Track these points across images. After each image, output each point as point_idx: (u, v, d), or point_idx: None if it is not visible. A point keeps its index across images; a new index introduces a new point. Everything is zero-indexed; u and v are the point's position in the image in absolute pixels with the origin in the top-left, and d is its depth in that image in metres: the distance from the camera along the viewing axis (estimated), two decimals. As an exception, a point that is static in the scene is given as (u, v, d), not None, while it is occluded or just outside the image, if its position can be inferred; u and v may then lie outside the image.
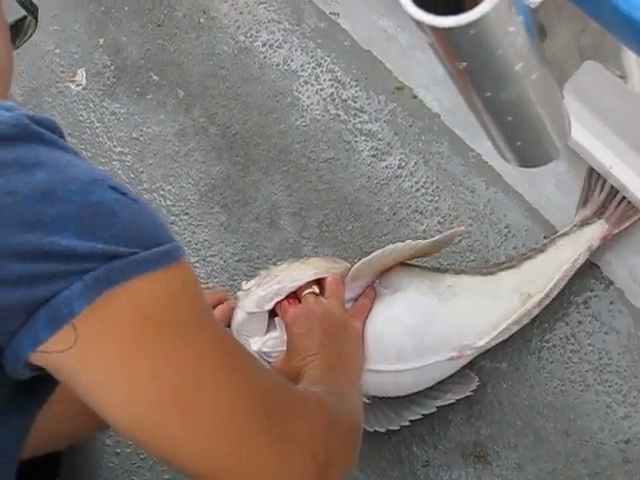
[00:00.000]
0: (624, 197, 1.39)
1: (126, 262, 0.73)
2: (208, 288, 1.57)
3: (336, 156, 1.62)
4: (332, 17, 1.73)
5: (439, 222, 1.53)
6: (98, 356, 0.74)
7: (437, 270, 1.41)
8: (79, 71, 1.83)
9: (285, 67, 1.72)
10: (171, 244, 0.77)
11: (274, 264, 1.43)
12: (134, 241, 0.74)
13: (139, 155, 1.71)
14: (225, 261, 1.59)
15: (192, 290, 0.80)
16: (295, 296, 1.33)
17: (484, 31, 0.55)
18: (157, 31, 1.82)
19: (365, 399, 1.30)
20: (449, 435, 1.40)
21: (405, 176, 1.57)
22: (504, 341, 1.39)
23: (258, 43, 1.75)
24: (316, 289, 1.33)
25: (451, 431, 1.40)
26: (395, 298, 1.35)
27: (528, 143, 0.74)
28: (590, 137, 1.37)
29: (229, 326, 1.34)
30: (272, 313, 1.34)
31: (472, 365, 1.39)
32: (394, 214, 1.55)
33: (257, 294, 1.33)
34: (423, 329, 1.32)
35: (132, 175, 1.69)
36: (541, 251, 1.40)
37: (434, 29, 0.55)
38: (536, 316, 1.40)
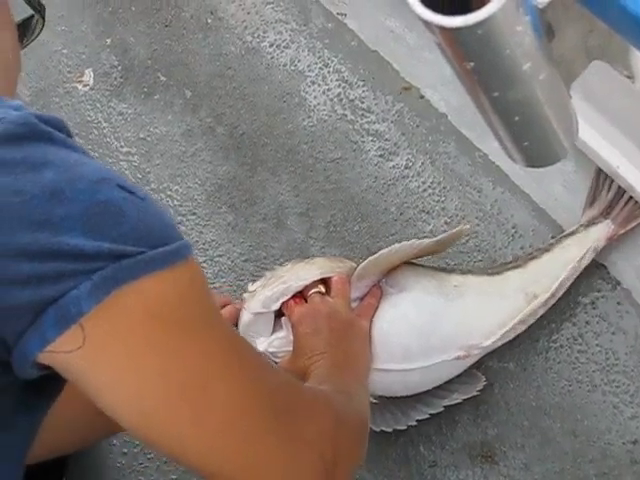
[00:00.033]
0: (631, 197, 1.39)
1: (134, 261, 0.73)
2: (215, 288, 1.57)
3: (343, 156, 1.62)
4: (339, 17, 1.73)
5: (446, 222, 1.53)
6: (106, 356, 0.74)
7: (443, 270, 1.41)
8: (86, 71, 1.83)
9: (292, 67, 1.72)
10: (179, 242, 0.77)
11: (279, 265, 1.43)
12: (142, 240, 0.74)
13: (146, 155, 1.72)
14: (232, 261, 1.60)
15: (200, 289, 0.80)
16: (301, 296, 1.33)
17: (492, 31, 0.55)
18: (164, 31, 1.82)
19: (372, 399, 1.30)
20: (456, 435, 1.40)
21: (412, 176, 1.57)
22: (511, 341, 1.39)
23: (265, 43, 1.76)
24: (322, 288, 1.33)
25: (458, 431, 1.40)
26: (401, 297, 1.35)
27: (535, 143, 0.73)
28: (597, 137, 1.36)
29: (236, 327, 1.34)
30: (278, 313, 1.34)
31: (479, 365, 1.39)
32: (401, 214, 1.55)
33: (263, 294, 1.33)
34: (430, 328, 1.32)
35: (139, 175, 1.70)
36: (547, 251, 1.40)
37: (442, 29, 0.55)
38: (543, 316, 1.40)
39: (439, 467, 1.39)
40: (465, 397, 1.37)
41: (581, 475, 1.34)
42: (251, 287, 1.36)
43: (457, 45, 0.57)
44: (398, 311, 1.34)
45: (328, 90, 1.68)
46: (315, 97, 1.68)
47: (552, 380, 1.40)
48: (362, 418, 1.07)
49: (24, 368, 0.74)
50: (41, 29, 1.07)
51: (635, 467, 1.33)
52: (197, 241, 1.61)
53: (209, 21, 1.80)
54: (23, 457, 0.84)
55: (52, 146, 0.76)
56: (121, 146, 1.74)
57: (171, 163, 1.70)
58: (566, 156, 0.78)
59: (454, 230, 1.38)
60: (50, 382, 0.80)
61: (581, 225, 1.41)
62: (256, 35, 1.77)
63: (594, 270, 1.43)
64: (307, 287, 1.33)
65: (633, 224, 1.40)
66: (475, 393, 1.38)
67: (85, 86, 1.82)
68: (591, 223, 1.40)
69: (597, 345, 1.40)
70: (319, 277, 1.33)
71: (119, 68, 1.81)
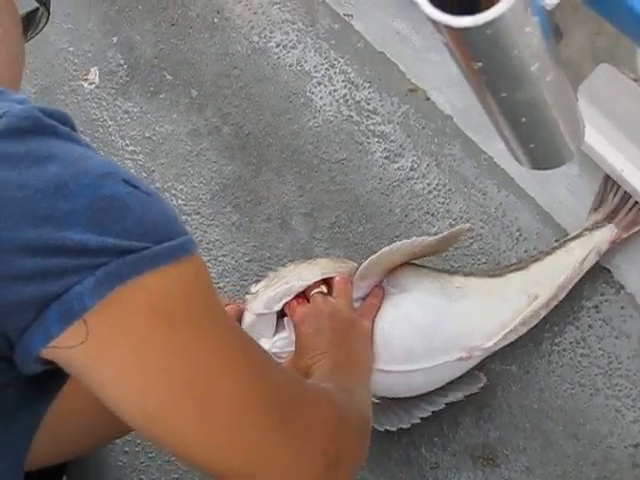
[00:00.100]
0: (636, 202, 1.39)
1: (138, 257, 0.72)
2: (219, 288, 1.57)
3: (348, 157, 1.62)
4: (346, 18, 1.74)
5: (450, 224, 1.53)
6: (110, 351, 0.74)
7: (446, 271, 1.41)
8: (92, 69, 1.83)
9: (298, 68, 1.72)
10: (183, 238, 0.76)
11: (283, 266, 1.43)
12: (146, 235, 0.74)
13: (151, 154, 1.72)
14: (236, 261, 1.60)
15: (205, 284, 0.80)
16: (303, 296, 1.33)
17: (500, 31, 0.55)
18: (171, 30, 1.82)
19: (374, 399, 1.30)
20: (458, 437, 1.40)
21: (417, 178, 1.57)
22: (514, 344, 1.39)
23: (272, 43, 1.76)
24: (324, 289, 1.33)
25: (460, 433, 1.40)
26: (403, 298, 1.35)
27: (541, 145, 0.73)
28: (602, 140, 1.36)
29: None
30: (281, 314, 1.34)
31: (482, 367, 1.39)
32: (406, 216, 1.55)
33: (266, 295, 1.33)
34: (432, 329, 1.32)
35: (144, 174, 1.70)
36: (549, 253, 1.41)
37: (450, 29, 0.55)
38: (546, 320, 1.40)
39: (441, 469, 1.39)
40: (466, 394, 1.37)
41: (583, 478, 1.34)
42: (254, 288, 1.36)
43: (465, 45, 0.57)
44: (400, 311, 1.34)
45: (334, 91, 1.68)
46: (321, 98, 1.68)
47: (555, 383, 1.40)
48: (364, 417, 1.07)
49: (27, 363, 0.74)
50: (46, 22, 1.06)
51: (637, 471, 1.33)
52: (201, 240, 1.62)
53: (215, 20, 1.80)
54: (24, 452, 0.84)
55: (56, 140, 0.75)
56: (126, 145, 1.74)
57: (176, 162, 1.70)
58: (572, 159, 0.78)
59: (455, 229, 1.38)
60: (52, 377, 0.80)
61: (585, 229, 1.41)
62: (263, 35, 1.77)
63: (598, 274, 1.43)
64: (309, 287, 1.33)
65: (636, 228, 1.40)
66: (476, 390, 1.37)
67: (91, 84, 1.82)
68: (595, 227, 1.40)
69: (600, 349, 1.40)
70: (321, 277, 1.34)
71: (125, 66, 1.81)
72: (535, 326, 1.39)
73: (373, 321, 1.33)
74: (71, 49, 1.86)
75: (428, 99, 1.63)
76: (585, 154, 1.41)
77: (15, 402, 0.80)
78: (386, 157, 1.60)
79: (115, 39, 1.84)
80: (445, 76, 1.61)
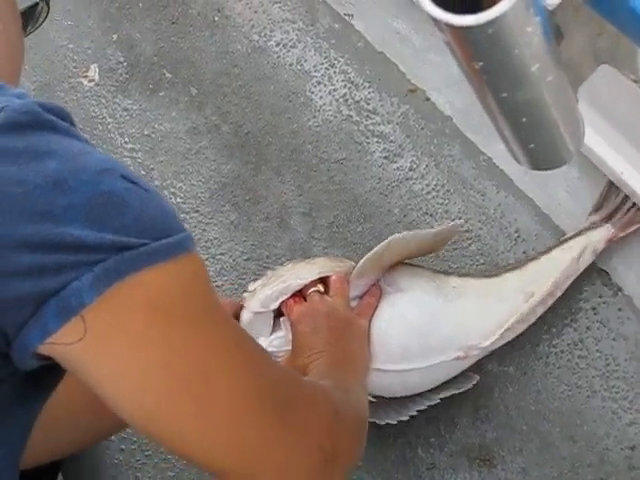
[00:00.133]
0: (634, 204, 1.39)
1: (136, 253, 0.72)
2: (217, 287, 1.57)
3: (348, 157, 1.62)
4: (346, 18, 1.74)
5: (449, 225, 1.53)
6: (107, 348, 0.74)
7: (442, 272, 1.41)
8: (92, 67, 1.83)
9: (298, 67, 1.72)
10: (182, 234, 0.76)
11: (281, 265, 1.43)
12: (145, 232, 0.73)
13: (150, 152, 1.72)
14: (234, 260, 1.59)
15: (203, 281, 0.80)
16: (300, 295, 1.33)
17: (502, 30, 0.55)
18: (171, 28, 1.82)
19: (371, 398, 1.30)
20: (455, 438, 1.40)
21: (416, 178, 1.57)
22: (512, 345, 1.39)
23: (272, 42, 1.76)
24: (321, 288, 1.33)
25: (457, 434, 1.40)
26: (399, 297, 1.35)
27: (541, 146, 0.73)
28: (602, 143, 1.36)
29: None
30: (278, 313, 1.34)
31: (479, 368, 1.39)
32: (404, 216, 1.55)
33: (263, 294, 1.33)
34: (428, 329, 1.33)
35: (143, 172, 1.70)
36: (546, 252, 1.41)
37: (452, 27, 0.55)
38: (544, 321, 1.41)
39: (437, 469, 1.39)
40: (460, 390, 1.36)
41: (579, 480, 1.35)
42: (251, 286, 1.37)
43: (467, 44, 0.57)
44: (397, 311, 1.34)
45: (334, 90, 1.68)
46: (321, 97, 1.68)
47: (552, 385, 1.40)
48: (360, 415, 1.08)
49: (24, 359, 0.74)
50: (45, 17, 1.06)
51: (633, 473, 1.33)
52: (199, 239, 1.61)
53: (216, 19, 1.80)
54: (19, 449, 0.84)
55: (55, 135, 0.75)
56: (125, 142, 1.74)
57: (175, 160, 1.70)
58: (572, 160, 0.78)
59: (449, 224, 1.38)
60: (48, 374, 0.80)
61: (582, 229, 1.41)
62: (263, 34, 1.77)
63: (596, 276, 1.43)
64: (306, 286, 1.33)
65: (633, 228, 1.40)
66: (469, 386, 1.37)
67: (90, 81, 1.82)
68: (592, 227, 1.41)
69: (597, 351, 1.40)
70: (318, 276, 1.34)
71: (125, 64, 1.81)
72: (533, 327, 1.39)
73: (370, 320, 1.33)
74: (71, 46, 1.85)
75: (428, 99, 1.63)
76: (584, 156, 1.41)
77: (11, 398, 0.80)
78: (385, 157, 1.60)
79: (115, 36, 1.84)
80: (445, 77, 1.61)
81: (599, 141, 1.36)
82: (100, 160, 0.75)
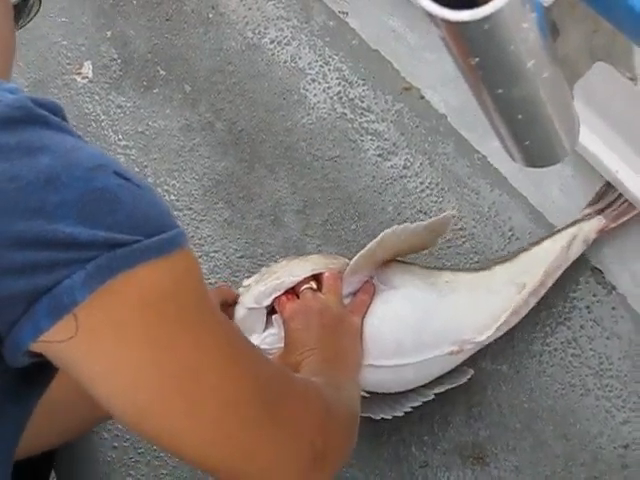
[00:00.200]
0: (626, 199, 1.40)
1: (129, 250, 0.72)
2: (210, 284, 1.57)
3: (342, 155, 1.62)
4: (341, 16, 1.73)
5: (443, 223, 1.52)
6: (99, 346, 0.73)
7: (435, 268, 1.41)
8: (86, 64, 1.83)
9: (292, 64, 1.72)
10: (175, 231, 0.76)
11: (275, 261, 1.43)
12: (137, 228, 0.73)
13: (144, 149, 1.71)
14: (228, 257, 1.59)
15: (195, 278, 0.79)
16: (293, 292, 1.33)
17: (498, 26, 0.55)
18: (165, 25, 1.82)
19: (365, 394, 1.31)
20: (448, 436, 1.40)
21: (410, 176, 1.57)
22: (505, 343, 1.39)
23: (266, 40, 1.75)
24: (314, 285, 1.33)
25: (450, 432, 1.40)
26: (392, 294, 1.35)
27: (536, 143, 0.73)
28: (597, 141, 1.37)
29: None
30: (271, 310, 1.34)
31: (473, 366, 1.39)
32: (398, 214, 1.55)
33: (256, 290, 1.34)
34: (422, 325, 1.32)
35: (137, 169, 1.69)
36: (537, 244, 1.41)
37: (448, 23, 0.55)
38: (538, 319, 1.41)
39: (430, 467, 1.39)
40: (455, 385, 1.36)
41: (572, 479, 1.34)
42: (246, 282, 1.37)
43: (462, 40, 0.57)
44: (390, 307, 1.34)
45: (328, 88, 1.68)
46: (315, 95, 1.68)
47: (545, 383, 1.40)
48: (351, 412, 1.08)
49: (16, 357, 0.74)
50: (37, 10, 1.06)
51: (626, 471, 1.33)
52: (193, 236, 1.61)
53: (210, 16, 1.80)
54: (13, 449, 0.84)
55: (48, 130, 0.75)
56: (119, 139, 1.73)
57: (169, 157, 1.69)
58: (567, 157, 0.78)
59: (440, 216, 1.38)
60: (41, 371, 0.80)
61: (574, 220, 1.41)
62: (257, 31, 1.76)
63: (590, 274, 1.43)
64: (299, 283, 1.33)
65: (624, 218, 1.40)
66: (464, 380, 1.37)
67: (84, 78, 1.81)
68: (584, 218, 1.41)
69: (591, 349, 1.40)
70: (311, 273, 1.34)
71: (119, 61, 1.81)
72: (526, 326, 1.39)
73: (363, 317, 1.33)
74: (65, 43, 1.85)
75: (422, 97, 1.63)
76: (579, 154, 1.41)
77: (4, 395, 0.80)
78: (379, 155, 1.60)
79: (109, 33, 1.84)
80: (440, 75, 1.61)
81: (594, 139, 1.36)
82: (93, 156, 0.75)
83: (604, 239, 1.42)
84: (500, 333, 1.36)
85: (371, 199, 1.57)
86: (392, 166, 1.59)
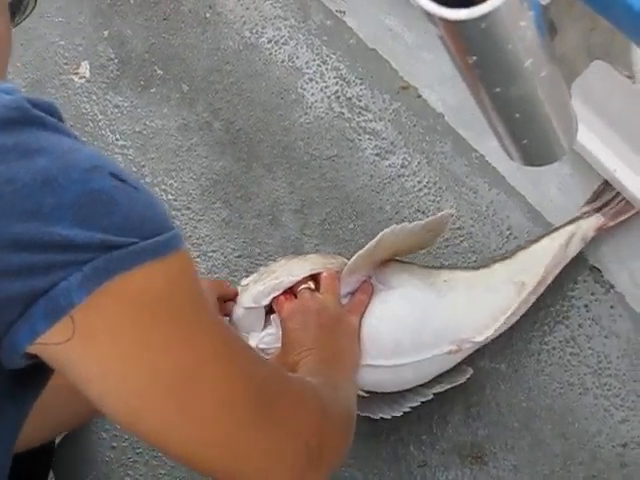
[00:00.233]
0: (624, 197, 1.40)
1: (125, 252, 0.72)
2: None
3: (339, 154, 1.62)
4: (338, 15, 1.73)
5: (441, 222, 1.52)
6: (96, 348, 0.73)
7: (433, 267, 1.41)
8: (83, 63, 1.82)
9: (290, 64, 1.72)
10: (171, 233, 0.76)
11: (274, 260, 1.43)
12: (134, 230, 0.73)
13: (142, 149, 1.71)
14: (226, 257, 1.59)
15: (190, 279, 0.79)
16: (291, 292, 1.33)
17: (495, 25, 0.55)
18: (162, 25, 1.81)
19: (363, 393, 1.31)
20: (446, 435, 1.40)
21: (408, 175, 1.57)
22: (503, 342, 1.39)
23: (263, 39, 1.75)
24: (311, 284, 1.33)
25: (448, 431, 1.40)
26: (391, 294, 1.35)
27: (534, 141, 0.73)
28: (595, 139, 1.36)
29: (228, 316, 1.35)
30: (270, 310, 1.34)
31: (471, 365, 1.39)
32: (396, 213, 1.55)
33: (255, 289, 1.34)
34: (420, 324, 1.32)
35: (134, 169, 1.69)
36: (535, 242, 1.41)
37: (445, 21, 0.54)
38: (536, 318, 1.41)
39: (429, 467, 1.39)
40: (454, 384, 1.36)
41: (570, 478, 1.34)
42: (244, 281, 1.37)
43: (460, 38, 0.57)
44: (388, 307, 1.34)
45: (326, 87, 1.68)
46: (312, 94, 1.68)
47: (543, 382, 1.40)
48: (348, 412, 1.08)
49: (13, 359, 0.74)
50: (33, 7, 1.05)
51: (624, 470, 1.33)
52: (191, 236, 1.61)
53: (207, 15, 1.80)
54: (10, 449, 0.84)
55: (45, 132, 0.74)
56: (116, 139, 1.73)
57: (166, 157, 1.69)
58: (565, 155, 0.77)
59: (438, 215, 1.37)
60: (37, 373, 0.80)
61: (572, 218, 1.41)
62: (254, 31, 1.76)
63: (588, 273, 1.43)
64: (297, 283, 1.33)
65: (622, 217, 1.40)
66: (463, 380, 1.37)
67: (81, 78, 1.81)
68: (582, 216, 1.41)
69: (589, 348, 1.40)
70: (310, 273, 1.34)
71: (116, 61, 1.81)
72: (525, 325, 1.39)
73: (361, 317, 1.32)
74: (62, 43, 1.85)
75: (420, 97, 1.63)
76: (577, 153, 1.41)
77: (2, 395, 0.80)
78: (377, 154, 1.60)
79: (106, 33, 1.84)
80: (437, 74, 1.61)
81: (592, 138, 1.36)
82: (90, 157, 0.74)
83: (602, 238, 1.42)
84: (499, 332, 1.36)
85: (369, 198, 1.57)
86: (390, 165, 1.59)
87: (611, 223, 1.40)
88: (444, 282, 1.36)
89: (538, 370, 1.40)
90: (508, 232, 1.49)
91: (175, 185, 1.66)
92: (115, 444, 1.49)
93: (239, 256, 1.59)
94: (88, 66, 1.82)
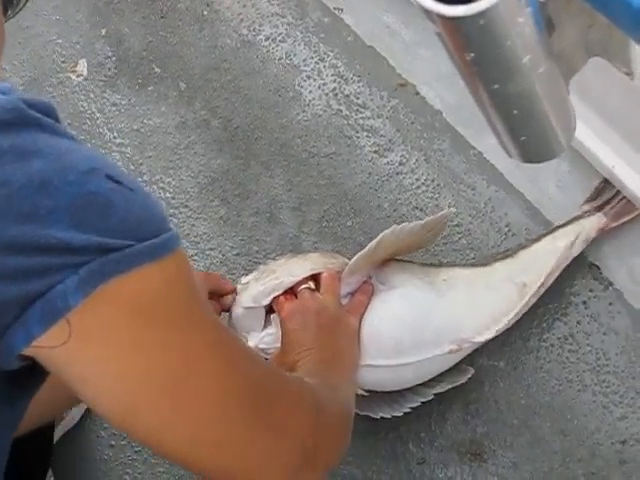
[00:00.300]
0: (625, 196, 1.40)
1: (121, 255, 0.71)
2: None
3: (337, 151, 1.61)
4: (336, 12, 1.73)
5: (439, 220, 1.52)
6: (91, 350, 0.73)
7: (432, 265, 1.41)
8: (80, 61, 1.82)
9: (287, 61, 1.72)
10: (167, 234, 0.75)
11: (273, 259, 1.43)
12: (130, 233, 0.73)
13: (139, 147, 1.71)
14: (224, 255, 1.59)
15: (185, 278, 0.79)
16: (291, 292, 1.33)
17: (493, 21, 0.55)
18: (160, 23, 1.81)
19: (363, 392, 1.30)
20: (445, 433, 1.40)
21: (406, 173, 1.57)
22: (502, 340, 1.39)
23: (261, 37, 1.75)
24: (312, 285, 1.33)
25: (447, 429, 1.40)
26: (391, 294, 1.34)
27: (533, 138, 0.73)
28: (593, 136, 1.36)
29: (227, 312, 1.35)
30: (269, 309, 1.34)
31: (470, 363, 1.39)
32: (394, 210, 1.54)
33: (255, 289, 1.33)
34: (421, 324, 1.32)
35: (132, 167, 1.69)
36: (537, 241, 1.40)
37: (443, 18, 0.54)
38: (535, 315, 1.41)
39: (428, 464, 1.39)
40: (454, 385, 1.36)
41: (569, 475, 1.34)
42: (244, 280, 1.36)
43: (458, 35, 0.57)
44: (389, 307, 1.33)
45: (323, 85, 1.68)
46: (310, 92, 1.68)
47: (542, 379, 1.40)
48: (346, 413, 1.08)
49: (8, 361, 0.73)
50: (26, 0, 1.05)
51: (623, 467, 1.33)
52: (188, 234, 1.61)
53: (205, 13, 1.80)
54: (6, 448, 0.83)
55: (41, 133, 0.74)
56: (114, 137, 1.73)
57: (164, 155, 1.69)
58: (563, 152, 0.77)
59: (438, 215, 1.37)
60: (32, 375, 0.80)
61: (574, 217, 1.41)
62: (252, 28, 1.76)
63: (587, 270, 1.43)
64: (297, 283, 1.33)
65: (624, 219, 1.40)
66: (464, 380, 1.37)
67: (79, 76, 1.81)
68: (584, 215, 1.40)
69: (588, 345, 1.40)
70: (310, 273, 1.33)
71: (113, 59, 1.81)
72: (523, 322, 1.39)
73: (361, 318, 1.32)
74: (59, 41, 1.85)
75: (417, 94, 1.63)
76: (575, 150, 1.41)
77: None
78: (375, 151, 1.60)
79: (104, 31, 1.83)
80: (435, 71, 1.61)
81: (590, 135, 1.36)
82: (86, 158, 0.74)
83: (601, 235, 1.42)
84: (499, 332, 1.36)
85: (367, 196, 1.57)
86: (388, 163, 1.58)
87: (613, 224, 1.40)
88: (443, 281, 1.36)
89: (537, 367, 1.40)
90: (506, 229, 1.49)
91: (173, 183, 1.66)
92: (114, 442, 1.49)
93: (237, 254, 1.58)
94: (85, 64, 1.82)
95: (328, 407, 0.99)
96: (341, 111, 1.65)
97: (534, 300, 1.37)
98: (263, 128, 1.67)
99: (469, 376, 1.37)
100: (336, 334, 1.27)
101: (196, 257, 1.59)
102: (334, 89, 1.67)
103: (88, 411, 1.50)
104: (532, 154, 0.77)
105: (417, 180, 1.56)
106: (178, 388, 0.78)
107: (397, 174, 1.57)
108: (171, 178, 1.67)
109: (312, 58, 1.70)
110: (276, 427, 0.87)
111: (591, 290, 1.42)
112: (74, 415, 1.50)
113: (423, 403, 1.35)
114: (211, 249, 1.60)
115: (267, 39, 1.75)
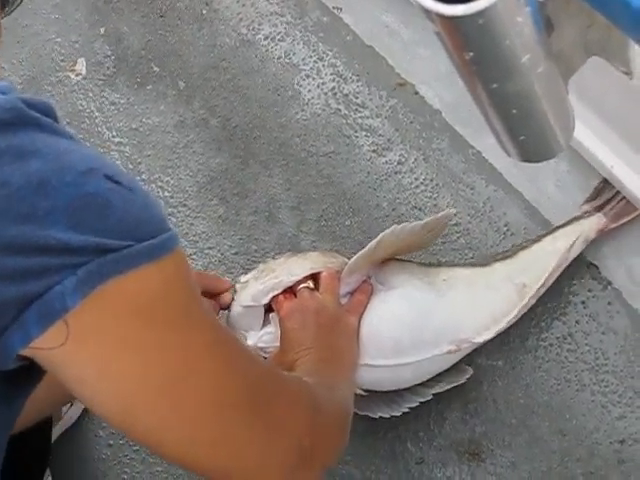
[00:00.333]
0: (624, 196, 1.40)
1: (120, 256, 0.71)
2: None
3: (336, 151, 1.61)
4: (335, 11, 1.73)
5: (438, 219, 1.52)
6: (89, 351, 0.73)
7: (432, 265, 1.40)
8: (79, 60, 1.82)
9: (286, 60, 1.72)
10: (166, 235, 0.75)
11: (272, 258, 1.43)
12: (128, 233, 0.72)
13: (138, 146, 1.71)
14: (222, 254, 1.59)
15: (184, 278, 0.79)
16: (291, 291, 1.33)
17: (492, 21, 0.55)
18: (159, 22, 1.81)
19: (362, 392, 1.30)
20: (444, 432, 1.40)
21: (405, 172, 1.57)
22: (501, 339, 1.39)
23: (260, 36, 1.75)
24: (311, 284, 1.33)
25: (446, 428, 1.40)
26: (390, 294, 1.34)
27: (531, 138, 0.73)
28: (592, 136, 1.36)
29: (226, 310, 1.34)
30: (269, 308, 1.34)
31: (469, 362, 1.39)
32: (393, 210, 1.54)
33: (254, 288, 1.33)
34: (420, 324, 1.32)
35: (130, 166, 1.69)
36: (536, 241, 1.40)
37: (442, 18, 0.54)
38: (533, 315, 1.40)
39: (426, 464, 1.39)
40: (453, 385, 1.36)
41: (568, 474, 1.34)
42: (243, 278, 1.36)
43: (457, 34, 0.56)
44: (388, 307, 1.33)
45: (322, 84, 1.68)
46: (309, 91, 1.68)
47: (541, 379, 1.40)
48: (343, 412, 1.08)
49: (6, 362, 0.73)
50: None
51: (622, 467, 1.33)
52: (187, 233, 1.61)
53: (204, 12, 1.80)
54: (2, 447, 0.83)
55: (40, 133, 0.73)
56: (113, 136, 1.73)
57: (163, 154, 1.69)
58: (562, 152, 0.77)
59: (438, 215, 1.37)
60: (29, 374, 0.79)
61: (573, 218, 1.41)
62: (251, 27, 1.76)
63: (585, 270, 1.43)
64: (297, 282, 1.33)
65: (624, 220, 1.40)
66: (463, 380, 1.37)
67: (77, 75, 1.81)
68: (583, 216, 1.40)
69: (587, 344, 1.40)
70: (310, 272, 1.33)
71: (112, 58, 1.81)
72: (522, 321, 1.39)
73: (360, 317, 1.32)
74: (58, 40, 1.85)
75: (416, 93, 1.63)
76: (574, 150, 1.41)
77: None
78: (374, 151, 1.60)
79: (102, 30, 1.83)
80: (434, 70, 1.61)
81: (589, 134, 1.36)
82: (85, 159, 0.73)
83: (600, 235, 1.42)
84: (498, 332, 1.36)
85: (366, 195, 1.57)
86: (387, 162, 1.58)
87: (612, 225, 1.40)
88: (443, 281, 1.36)
89: (535, 367, 1.40)
90: (505, 229, 1.49)
91: (171, 182, 1.66)
92: (112, 442, 1.49)
93: (236, 253, 1.58)
94: (84, 63, 1.82)
95: (326, 406, 0.99)
96: (340, 110, 1.65)
97: (533, 301, 1.37)
98: (262, 127, 1.67)
99: (468, 376, 1.37)
100: (335, 333, 1.27)
101: (195, 256, 1.59)
102: (333, 88, 1.67)
103: (86, 410, 1.50)
104: (531, 153, 0.77)
105: (416, 179, 1.56)
106: (177, 388, 0.78)
107: (396, 173, 1.57)
108: (170, 177, 1.67)
109: (311, 57, 1.70)
110: (274, 426, 0.87)
111: (590, 290, 1.42)
112: (72, 414, 1.50)
113: (422, 403, 1.35)
114: (210, 248, 1.60)
115: (266, 38, 1.74)
